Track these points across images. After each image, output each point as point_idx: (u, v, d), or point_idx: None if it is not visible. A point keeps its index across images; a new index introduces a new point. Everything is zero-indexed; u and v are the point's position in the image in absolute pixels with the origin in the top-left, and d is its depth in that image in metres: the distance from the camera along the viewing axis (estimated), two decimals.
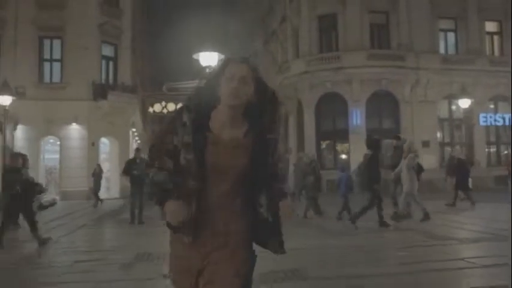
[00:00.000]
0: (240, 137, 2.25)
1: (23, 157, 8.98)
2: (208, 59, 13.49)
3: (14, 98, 19.66)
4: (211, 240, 2.23)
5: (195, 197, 2.19)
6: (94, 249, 8.89)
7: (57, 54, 26.34)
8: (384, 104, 27.58)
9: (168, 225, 2.27)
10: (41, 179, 22.85)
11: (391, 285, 5.43)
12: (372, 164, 10.31)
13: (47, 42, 26.35)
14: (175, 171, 2.20)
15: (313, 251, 7.67)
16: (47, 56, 26.39)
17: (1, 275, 6.49)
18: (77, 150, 25.63)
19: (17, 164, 8.59)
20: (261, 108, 2.27)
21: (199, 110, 2.23)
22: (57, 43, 26.31)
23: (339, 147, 28.40)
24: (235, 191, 2.25)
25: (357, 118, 27.10)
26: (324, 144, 28.89)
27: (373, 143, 10.66)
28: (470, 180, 15.81)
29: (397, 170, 11.40)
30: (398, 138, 12.97)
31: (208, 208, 2.22)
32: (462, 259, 6.60)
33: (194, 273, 2.23)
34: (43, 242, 8.41)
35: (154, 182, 2.23)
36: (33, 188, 8.60)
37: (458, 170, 15.28)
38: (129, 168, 12.20)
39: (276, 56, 34.34)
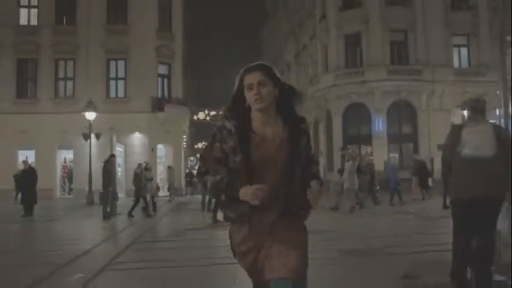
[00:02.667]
0: (280, 132, 2.53)
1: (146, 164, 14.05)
2: None
3: (97, 114, 24.26)
4: (266, 225, 2.51)
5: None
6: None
7: (121, 73, 31.04)
8: (402, 113, 31.30)
9: (226, 218, 2.60)
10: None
11: None
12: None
13: (113, 63, 31.09)
14: (229, 174, 2.50)
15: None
16: (113, 75, 31.13)
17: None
18: (139, 155, 30.16)
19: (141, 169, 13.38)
20: (286, 100, 2.58)
21: (239, 118, 2.53)
22: (121, 64, 31.01)
23: (363, 150, 32.25)
24: (281, 179, 2.51)
25: (379, 125, 30.92)
26: (349, 149, 32.77)
27: None
28: (430, 179, 19.76)
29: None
30: (344, 149, 17.85)
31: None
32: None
33: (253, 253, 2.53)
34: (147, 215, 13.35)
35: (216, 182, 2.51)
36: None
37: (419, 171, 18.58)
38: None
39: (307, 69, 38.43)
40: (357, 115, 31.72)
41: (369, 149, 31.62)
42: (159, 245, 9.67)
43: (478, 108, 5.00)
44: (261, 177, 2.46)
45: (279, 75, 2.58)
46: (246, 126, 2.51)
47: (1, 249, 8.97)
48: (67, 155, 31.32)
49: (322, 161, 33.53)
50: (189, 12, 35.45)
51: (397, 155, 31.26)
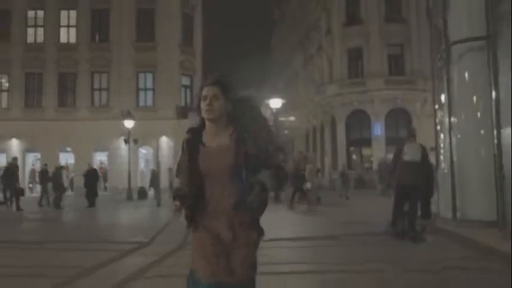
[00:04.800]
0: (224, 142, 2.74)
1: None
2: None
3: (135, 122, 28.30)
4: (219, 228, 2.68)
5: (197, 198, 2.72)
6: None
7: (149, 85, 35.07)
8: (399, 118, 35.11)
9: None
10: (140, 179, 31.99)
11: None
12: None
13: (142, 75, 35.12)
14: (189, 181, 2.76)
15: None
16: (142, 86, 35.14)
17: None
18: (165, 157, 34.16)
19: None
20: (239, 114, 2.77)
21: (194, 130, 2.82)
22: (149, 76, 35.05)
23: (363, 151, 36.19)
24: (226, 186, 2.70)
25: (378, 129, 34.82)
26: (352, 149, 36.74)
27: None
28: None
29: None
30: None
31: (210, 206, 2.72)
32: None
33: (212, 256, 2.65)
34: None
35: (174, 188, 3.06)
36: None
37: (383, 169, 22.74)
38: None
39: (314, 77, 42.39)
40: (358, 120, 35.62)
41: (369, 151, 35.51)
42: None
43: (413, 134, 9.04)
44: (210, 185, 2.72)
45: (233, 90, 2.79)
46: (197, 139, 2.76)
47: (95, 226, 13.02)
48: (102, 157, 35.39)
49: (327, 160, 37.59)
50: (207, 27, 39.32)
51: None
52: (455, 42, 9.90)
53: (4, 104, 34.63)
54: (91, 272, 6.55)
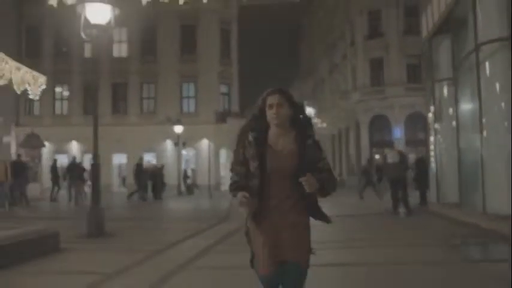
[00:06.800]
0: (290, 144, 2.97)
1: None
2: None
3: (185, 127, 32.54)
4: (277, 223, 2.91)
5: (258, 193, 2.91)
6: None
7: (192, 93, 39.36)
8: (417, 122, 38.44)
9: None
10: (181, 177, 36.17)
11: None
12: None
13: (185, 85, 39.42)
14: (247, 175, 2.98)
15: None
16: (185, 94, 39.44)
17: None
18: (206, 158, 38.30)
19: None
20: (297, 117, 3.04)
21: (258, 130, 3.01)
22: (192, 85, 39.33)
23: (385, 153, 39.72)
24: (292, 185, 2.91)
25: (398, 132, 38.33)
26: (374, 151, 40.36)
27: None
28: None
29: None
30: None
31: (271, 200, 2.93)
32: None
33: (268, 246, 2.88)
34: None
35: (231, 180, 3.05)
36: None
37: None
38: None
39: (339, 84, 46.11)
40: (380, 125, 39.22)
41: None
42: None
43: (392, 146, 13.21)
44: (273, 182, 2.94)
45: (293, 97, 3.06)
46: (263, 139, 2.98)
47: (187, 210, 17.20)
48: (150, 157, 39.73)
49: (351, 161, 41.35)
50: (242, 38, 43.32)
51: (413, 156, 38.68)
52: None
53: (65, 111, 39.44)
54: (189, 238, 10.60)
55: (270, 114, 2.98)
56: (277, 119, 2.97)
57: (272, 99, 2.99)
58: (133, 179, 25.02)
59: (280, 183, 2.94)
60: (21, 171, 17.95)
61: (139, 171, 24.94)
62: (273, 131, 3.02)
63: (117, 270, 6.40)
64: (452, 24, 12.91)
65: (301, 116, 3.05)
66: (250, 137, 2.98)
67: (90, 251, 8.33)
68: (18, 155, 20.88)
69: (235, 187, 2.99)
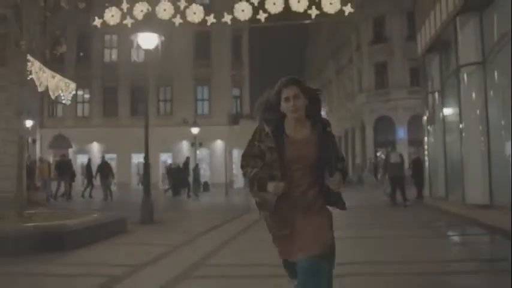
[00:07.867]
0: (308, 134, 3.01)
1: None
2: None
3: (200, 128, 34.79)
4: (296, 210, 2.99)
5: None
6: None
7: (206, 96, 41.63)
8: (420, 123, 40.42)
9: (256, 203, 3.12)
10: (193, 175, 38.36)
11: None
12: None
13: (199, 88, 41.69)
14: (263, 168, 3.01)
15: None
16: (199, 97, 41.70)
17: None
18: (219, 158, 40.48)
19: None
20: (313, 107, 3.05)
21: (274, 123, 3.02)
22: (206, 88, 41.60)
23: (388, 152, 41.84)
24: (310, 173, 2.97)
25: (401, 133, 40.46)
26: (378, 150, 42.51)
27: None
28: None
29: None
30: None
31: (293, 190, 2.98)
32: None
33: (287, 233, 3.00)
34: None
35: (252, 175, 3.05)
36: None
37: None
38: None
39: (345, 85, 48.23)
40: (384, 125, 41.33)
41: None
42: None
43: (394, 147, 15.47)
44: (292, 171, 2.98)
45: (307, 86, 3.04)
46: (279, 130, 3.00)
47: (220, 204, 19.50)
48: (166, 157, 42.04)
49: (357, 160, 43.49)
50: (252, 42, 45.53)
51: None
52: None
53: (86, 113, 41.82)
54: (220, 225, 12.86)
55: (288, 107, 3.00)
56: (297, 112, 3.00)
57: (288, 92, 3.00)
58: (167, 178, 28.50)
59: (301, 173, 2.99)
60: (67, 169, 20.25)
61: (170, 172, 27.99)
62: (289, 121, 3.05)
63: (179, 244, 8.59)
64: (440, 46, 15.30)
65: (316, 104, 3.10)
66: (267, 129, 3.01)
67: (151, 231, 10.63)
68: (63, 155, 23.25)
69: (258, 178, 3.03)
